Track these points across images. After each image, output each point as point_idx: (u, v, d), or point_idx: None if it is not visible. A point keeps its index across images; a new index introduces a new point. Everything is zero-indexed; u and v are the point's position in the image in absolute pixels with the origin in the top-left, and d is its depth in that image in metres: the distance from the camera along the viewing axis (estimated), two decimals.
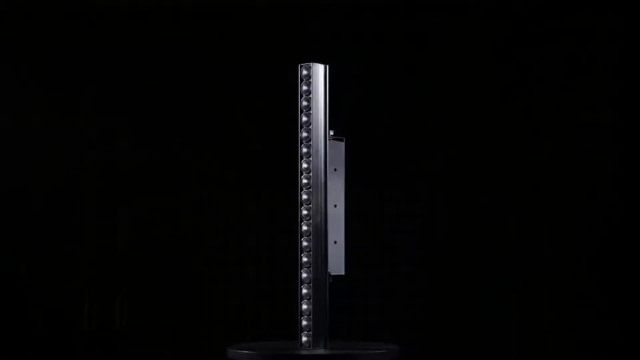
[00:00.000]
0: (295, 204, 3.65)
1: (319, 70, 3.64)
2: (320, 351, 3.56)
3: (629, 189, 5.09)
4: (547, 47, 5.16)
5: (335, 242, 3.71)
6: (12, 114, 5.25)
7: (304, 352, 3.55)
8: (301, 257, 3.61)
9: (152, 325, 5.22)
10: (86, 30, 5.25)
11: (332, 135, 3.67)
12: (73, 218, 5.24)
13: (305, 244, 3.61)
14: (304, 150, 3.62)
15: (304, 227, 3.61)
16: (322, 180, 3.61)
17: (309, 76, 3.63)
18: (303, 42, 5.17)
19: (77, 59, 5.24)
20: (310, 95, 3.63)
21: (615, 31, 5.13)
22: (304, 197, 3.61)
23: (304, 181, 3.61)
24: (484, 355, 5.13)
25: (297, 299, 3.62)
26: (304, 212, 3.61)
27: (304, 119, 3.63)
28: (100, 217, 5.26)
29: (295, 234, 3.65)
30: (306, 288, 3.60)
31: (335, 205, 3.72)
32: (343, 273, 3.74)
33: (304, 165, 3.62)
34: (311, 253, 3.60)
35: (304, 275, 3.61)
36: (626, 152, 5.11)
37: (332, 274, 3.65)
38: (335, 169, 3.72)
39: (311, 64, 3.64)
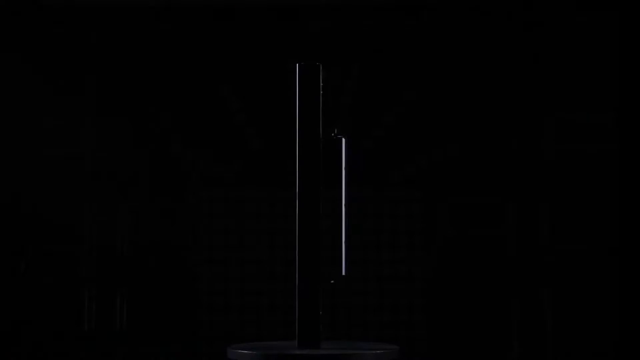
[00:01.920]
0: (295, 204, 3.65)
1: (313, 71, 3.63)
2: (321, 351, 3.56)
3: (629, 189, 5.08)
4: (547, 46, 5.15)
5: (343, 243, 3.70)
6: (12, 114, 5.25)
7: (304, 352, 3.54)
8: (297, 258, 3.62)
9: (152, 325, 5.22)
10: (86, 30, 5.25)
11: (334, 135, 3.66)
12: (72, 218, 5.24)
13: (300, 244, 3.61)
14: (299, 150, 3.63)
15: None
16: (313, 180, 3.60)
17: (303, 76, 3.63)
18: (302, 42, 5.16)
19: (77, 59, 5.24)
20: (304, 95, 3.62)
21: (615, 31, 5.12)
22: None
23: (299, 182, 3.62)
24: (484, 356, 5.12)
25: (295, 299, 3.63)
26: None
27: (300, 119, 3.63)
28: (99, 217, 5.26)
29: (295, 234, 3.65)
30: None
31: (345, 205, 3.70)
32: (343, 273, 3.73)
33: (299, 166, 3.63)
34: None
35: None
36: (627, 152, 5.09)
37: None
38: (345, 168, 3.70)
39: (304, 63, 3.63)
